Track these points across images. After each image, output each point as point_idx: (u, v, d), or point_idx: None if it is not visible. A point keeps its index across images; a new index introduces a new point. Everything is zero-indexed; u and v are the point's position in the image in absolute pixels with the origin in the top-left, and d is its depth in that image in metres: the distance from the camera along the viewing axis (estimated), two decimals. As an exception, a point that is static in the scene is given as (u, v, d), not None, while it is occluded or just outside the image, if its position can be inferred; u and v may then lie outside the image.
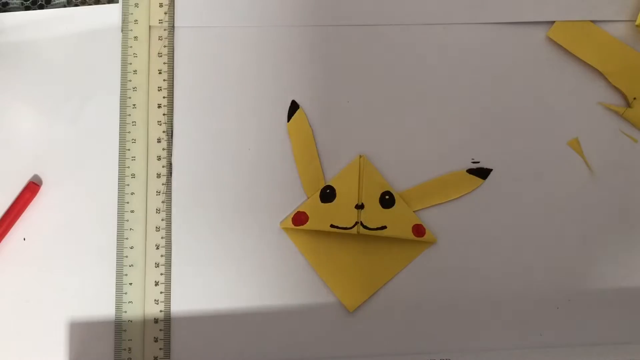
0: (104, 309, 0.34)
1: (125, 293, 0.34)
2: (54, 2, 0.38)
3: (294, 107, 0.36)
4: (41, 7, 0.38)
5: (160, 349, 0.34)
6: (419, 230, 0.35)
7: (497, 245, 0.35)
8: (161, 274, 0.35)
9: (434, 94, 0.36)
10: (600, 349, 0.34)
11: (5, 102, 0.36)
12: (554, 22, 0.37)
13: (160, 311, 0.34)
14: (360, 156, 0.36)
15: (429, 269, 0.35)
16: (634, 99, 0.36)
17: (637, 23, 0.37)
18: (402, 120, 0.36)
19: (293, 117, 0.36)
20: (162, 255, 0.35)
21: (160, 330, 0.34)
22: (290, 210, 0.35)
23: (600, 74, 0.37)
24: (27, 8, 0.38)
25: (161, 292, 0.34)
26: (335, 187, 0.35)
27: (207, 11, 0.37)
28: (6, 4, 0.38)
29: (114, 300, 0.34)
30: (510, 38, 0.37)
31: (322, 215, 0.35)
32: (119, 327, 0.34)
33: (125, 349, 0.34)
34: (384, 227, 0.35)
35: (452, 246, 0.35)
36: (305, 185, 0.36)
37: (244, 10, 0.37)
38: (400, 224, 0.35)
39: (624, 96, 0.37)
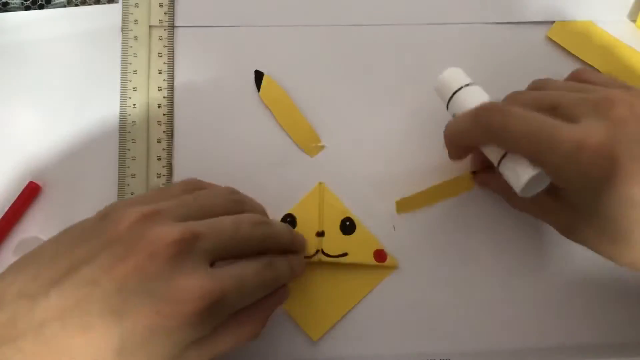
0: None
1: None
2: (54, 2, 0.38)
3: (259, 76, 0.36)
4: (41, 7, 0.38)
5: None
6: (380, 255, 0.34)
7: (497, 244, 0.35)
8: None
9: (433, 94, 0.36)
10: (600, 349, 0.34)
11: (5, 101, 0.36)
12: (554, 22, 0.37)
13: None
14: (320, 183, 0.35)
15: (424, 274, 0.35)
16: (634, 99, 0.36)
17: (637, 23, 0.37)
18: (403, 120, 0.36)
19: (262, 86, 0.36)
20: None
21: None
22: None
23: (600, 74, 0.37)
24: (27, 8, 0.38)
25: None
26: (296, 216, 0.35)
27: (207, 11, 0.37)
28: (6, 4, 0.38)
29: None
30: (510, 38, 0.37)
31: None
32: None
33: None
34: (345, 254, 0.34)
35: (452, 245, 0.35)
36: (303, 145, 0.36)
37: (244, 10, 0.37)
38: (361, 250, 0.34)
39: (624, 96, 0.37)
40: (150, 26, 0.37)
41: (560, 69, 0.37)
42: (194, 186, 0.30)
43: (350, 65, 0.37)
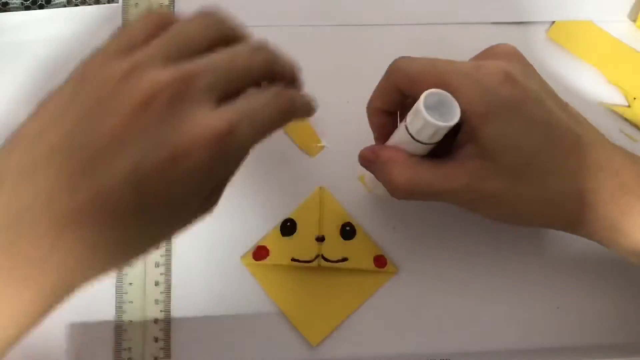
0: (104, 309, 0.34)
1: (126, 293, 0.34)
2: (54, 2, 0.38)
3: None
4: (41, 7, 0.38)
5: (161, 349, 0.34)
6: (380, 261, 0.34)
7: (496, 245, 0.35)
8: (161, 274, 0.35)
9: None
10: (600, 349, 0.34)
11: (5, 102, 0.36)
12: (554, 22, 0.37)
13: (161, 311, 0.34)
14: (320, 187, 0.35)
15: (424, 275, 0.35)
16: (634, 98, 0.36)
17: (637, 23, 0.37)
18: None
19: None
20: (162, 255, 0.35)
21: (160, 330, 0.34)
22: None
23: (600, 74, 0.37)
24: (27, 8, 0.38)
25: (161, 292, 0.34)
26: (295, 220, 0.35)
27: (207, 11, 0.37)
28: (6, 4, 0.38)
29: (114, 300, 0.34)
30: (510, 38, 0.37)
31: (283, 249, 0.34)
32: (119, 327, 0.34)
33: (125, 349, 0.34)
34: (345, 259, 0.34)
35: (451, 246, 0.35)
36: (303, 145, 0.36)
37: (244, 10, 0.37)
38: (361, 256, 0.34)
39: (624, 96, 0.37)
40: (150, 26, 0.37)
41: (560, 69, 0.37)
42: (161, 22, 0.25)
43: (351, 65, 0.37)
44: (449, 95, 0.26)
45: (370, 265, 0.34)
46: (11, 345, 0.22)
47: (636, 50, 0.37)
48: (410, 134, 0.27)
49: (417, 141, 0.27)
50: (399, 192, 0.28)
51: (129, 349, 0.34)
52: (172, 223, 0.24)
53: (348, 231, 0.35)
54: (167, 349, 0.34)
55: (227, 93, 0.24)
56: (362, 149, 0.30)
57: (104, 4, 0.37)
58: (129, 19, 0.36)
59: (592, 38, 0.37)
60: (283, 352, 0.34)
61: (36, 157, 0.22)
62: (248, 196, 0.35)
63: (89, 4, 0.37)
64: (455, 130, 0.27)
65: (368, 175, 0.31)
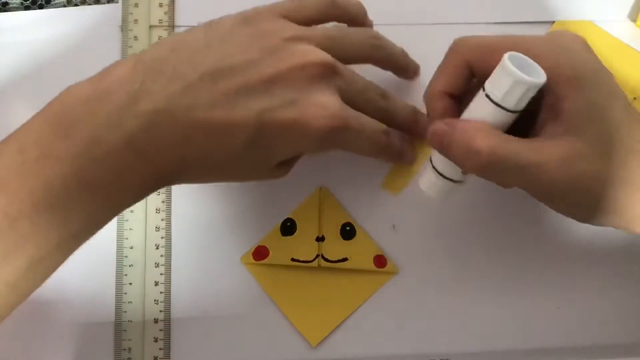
0: (104, 308, 0.34)
1: (125, 293, 0.34)
2: (54, 2, 0.38)
3: None
4: (41, 7, 0.38)
5: (160, 349, 0.34)
6: (380, 261, 0.34)
7: (496, 245, 0.35)
8: (161, 274, 0.35)
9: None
10: (600, 350, 0.34)
11: (5, 102, 0.36)
12: (554, 22, 0.37)
13: (160, 311, 0.34)
14: (320, 188, 0.35)
15: (424, 275, 0.35)
16: (634, 98, 0.36)
17: (637, 23, 0.37)
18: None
19: None
20: (162, 255, 0.35)
21: (160, 330, 0.34)
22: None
23: (600, 74, 0.37)
24: (27, 8, 0.38)
25: (161, 292, 0.34)
26: (295, 220, 0.35)
27: (207, 11, 0.37)
28: (6, 4, 0.38)
29: (114, 300, 0.34)
30: (510, 38, 0.37)
31: (282, 249, 0.34)
32: (119, 327, 0.34)
33: (125, 349, 0.34)
34: (344, 259, 0.34)
35: (451, 247, 0.35)
36: None
37: (243, 10, 0.37)
38: (361, 256, 0.34)
39: (624, 96, 0.37)
40: (150, 26, 0.37)
41: (560, 69, 0.37)
42: (335, 6, 0.30)
43: (351, 65, 0.36)
44: (529, 59, 0.25)
45: (370, 265, 0.34)
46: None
47: (636, 50, 0.37)
48: (492, 101, 0.25)
49: (502, 108, 0.25)
50: (480, 158, 0.25)
51: (129, 349, 0.34)
52: (254, 169, 0.28)
53: (348, 231, 0.35)
54: (166, 349, 0.34)
55: (347, 104, 0.28)
56: (432, 125, 0.28)
57: (104, 3, 0.37)
58: (129, 19, 0.36)
59: (592, 38, 0.37)
60: (283, 352, 0.34)
61: (192, 68, 0.25)
62: (248, 196, 0.35)
63: (89, 4, 0.37)
64: (530, 114, 0.26)
65: (436, 158, 0.28)
